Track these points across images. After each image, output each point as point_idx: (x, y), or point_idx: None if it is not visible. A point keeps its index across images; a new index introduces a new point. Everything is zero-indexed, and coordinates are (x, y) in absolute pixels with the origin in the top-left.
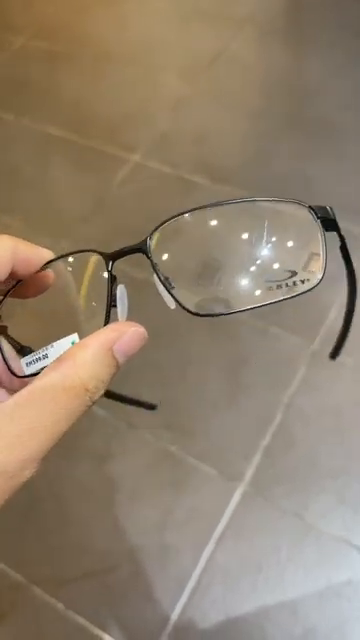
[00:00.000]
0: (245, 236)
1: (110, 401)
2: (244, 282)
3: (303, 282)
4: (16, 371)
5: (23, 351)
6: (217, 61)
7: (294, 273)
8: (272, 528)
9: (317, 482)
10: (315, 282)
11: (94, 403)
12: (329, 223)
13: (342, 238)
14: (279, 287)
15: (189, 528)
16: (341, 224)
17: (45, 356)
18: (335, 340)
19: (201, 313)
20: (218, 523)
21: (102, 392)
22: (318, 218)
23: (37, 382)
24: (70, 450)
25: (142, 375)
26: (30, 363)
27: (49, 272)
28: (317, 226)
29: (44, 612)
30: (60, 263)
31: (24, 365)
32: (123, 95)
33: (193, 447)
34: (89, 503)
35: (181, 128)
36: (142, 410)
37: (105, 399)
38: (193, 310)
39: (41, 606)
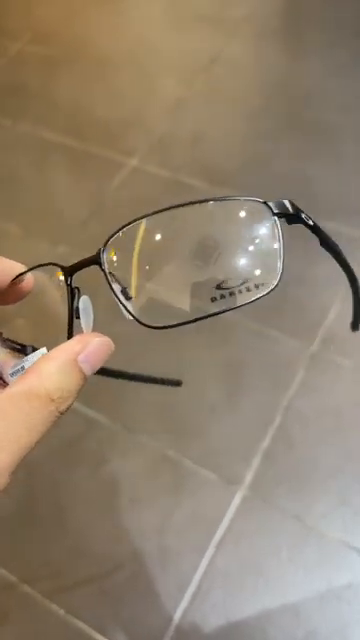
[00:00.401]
0: (198, 241)
1: (107, 405)
2: (197, 291)
3: (258, 287)
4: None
5: (25, 350)
6: (215, 63)
7: (248, 278)
8: (272, 530)
9: (317, 484)
10: (271, 286)
11: (62, 413)
12: (291, 218)
13: (314, 230)
14: (232, 294)
15: (189, 532)
16: (340, 225)
17: (22, 368)
18: (352, 315)
19: (152, 325)
20: (218, 526)
21: (70, 402)
22: (274, 215)
23: (3, 394)
24: (68, 455)
25: None
26: (13, 374)
27: (28, 279)
28: (274, 223)
29: (44, 617)
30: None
31: (9, 376)
32: (120, 99)
33: (192, 451)
34: (88, 508)
35: (179, 131)
36: (139, 414)
37: (103, 405)
38: (146, 322)
39: (41, 611)
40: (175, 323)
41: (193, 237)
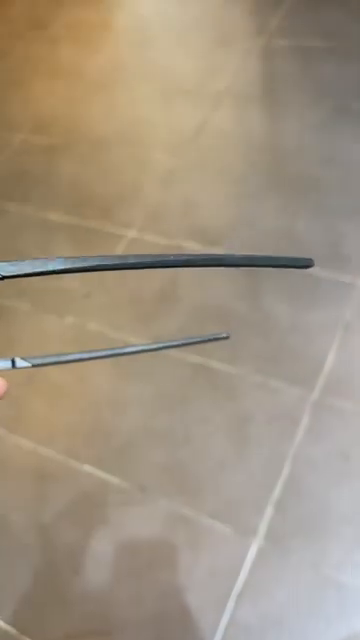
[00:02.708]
0: None
1: (121, 467)
2: None
3: None
4: None
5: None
6: (201, 133)
7: None
8: (290, 581)
9: (331, 530)
10: None
11: None
12: None
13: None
14: None
15: (208, 588)
16: (333, 272)
17: None
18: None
19: None
20: (236, 580)
21: None
22: None
23: None
24: (84, 519)
25: (148, 440)
26: None
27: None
28: None
29: None
30: None
31: None
32: (116, 175)
33: (205, 506)
34: (106, 571)
35: (172, 199)
36: (151, 474)
37: None
38: None
39: None
40: None
41: None
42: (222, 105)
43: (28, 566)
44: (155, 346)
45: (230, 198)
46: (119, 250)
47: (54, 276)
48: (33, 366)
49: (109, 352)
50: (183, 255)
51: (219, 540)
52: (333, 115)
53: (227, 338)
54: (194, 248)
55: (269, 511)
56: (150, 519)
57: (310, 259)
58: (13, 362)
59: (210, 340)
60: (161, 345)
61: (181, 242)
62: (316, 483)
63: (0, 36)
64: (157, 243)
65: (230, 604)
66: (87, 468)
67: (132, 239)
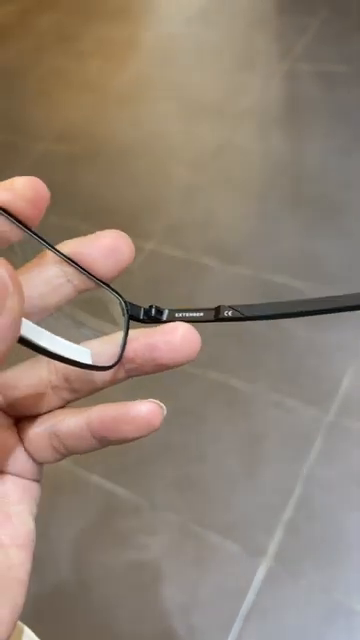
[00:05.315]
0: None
1: (131, 482)
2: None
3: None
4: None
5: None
6: (222, 151)
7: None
8: (299, 605)
9: (343, 554)
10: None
11: None
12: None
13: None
14: None
15: (215, 608)
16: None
17: None
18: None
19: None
20: (244, 601)
21: None
22: (127, 313)
23: None
24: (93, 532)
25: (162, 455)
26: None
27: None
28: (124, 321)
29: None
30: None
31: None
32: (137, 188)
33: (215, 524)
34: (113, 587)
35: (191, 214)
36: (162, 489)
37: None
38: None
39: None
40: None
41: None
42: (244, 125)
43: (32, 577)
44: None
45: (249, 216)
46: (137, 261)
47: None
48: (246, 319)
49: None
50: None
51: (227, 559)
52: (355, 140)
53: None
54: (212, 264)
55: (279, 531)
56: (158, 534)
57: None
58: (217, 312)
59: None
60: None
61: (198, 258)
62: (328, 505)
63: (29, 48)
64: (175, 256)
65: (236, 625)
66: (96, 479)
67: (150, 251)
